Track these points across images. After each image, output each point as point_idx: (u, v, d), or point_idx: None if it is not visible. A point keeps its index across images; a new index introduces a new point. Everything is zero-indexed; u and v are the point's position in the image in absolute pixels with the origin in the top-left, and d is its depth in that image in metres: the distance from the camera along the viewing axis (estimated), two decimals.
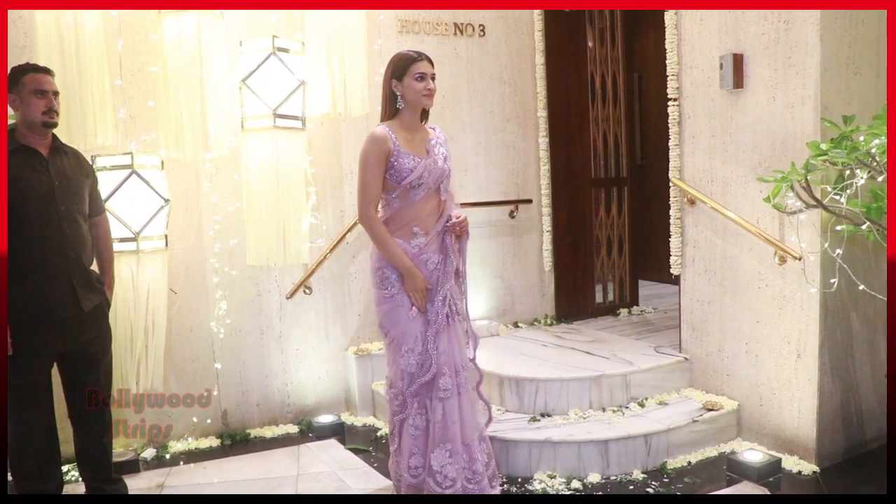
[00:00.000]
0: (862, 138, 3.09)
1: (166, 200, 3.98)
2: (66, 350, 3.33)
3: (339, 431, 4.63)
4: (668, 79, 4.40)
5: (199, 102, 3.93)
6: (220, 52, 4.03)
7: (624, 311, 5.95)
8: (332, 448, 4.39)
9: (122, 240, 3.85)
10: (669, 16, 4.36)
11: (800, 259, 3.69)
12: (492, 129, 5.44)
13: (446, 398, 3.27)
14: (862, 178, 3.17)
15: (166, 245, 4.06)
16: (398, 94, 3.27)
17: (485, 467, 3.39)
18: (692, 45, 4.27)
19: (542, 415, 4.13)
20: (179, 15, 3.87)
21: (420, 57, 3.27)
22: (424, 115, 3.40)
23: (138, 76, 4.25)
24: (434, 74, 3.31)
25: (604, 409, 4.16)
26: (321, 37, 4.30)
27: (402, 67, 3.25)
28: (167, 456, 4.32)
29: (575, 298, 5.83)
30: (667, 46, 4.39)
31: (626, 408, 4.18)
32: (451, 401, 3.29)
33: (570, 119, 5.70)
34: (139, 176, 3.87)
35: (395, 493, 3.51)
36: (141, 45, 4.20)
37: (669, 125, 4.41)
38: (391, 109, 3.32)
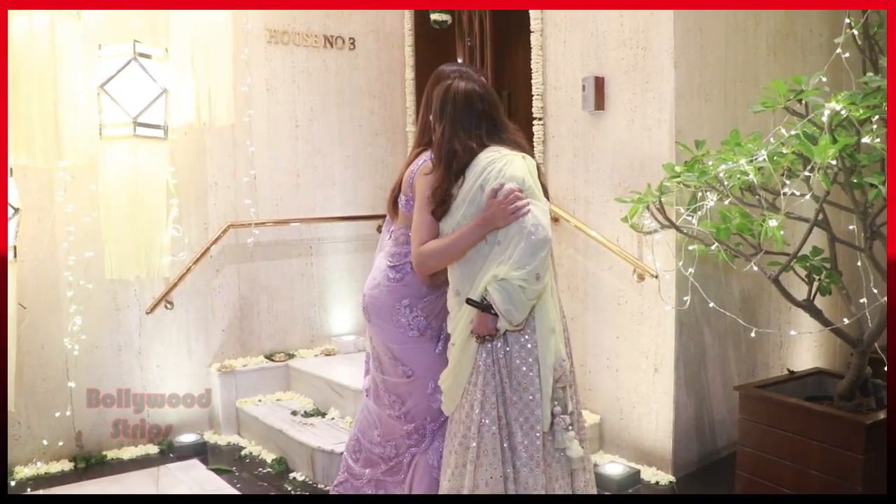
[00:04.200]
0: (711, 163, 3.25)
1: (16, 209, 3.75)
2: None
3: (202, 451, 4.49)
4: (534, 98, 4.51)
5: (52, 106, 3.69)
6: (77, 54, 3.80)
7: None
8: (194, 469, 4.25)
9: None
10: (535, 37, 4.48)
11: (656, 277, 3.84)
12: (360, 143, 5.42)
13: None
14: (711, 200, 3.33)
15: (15, 257, 3.81)
16: None
17: None
18: (556, 66, 4.40)
19: None
20: (32, 12, 3.65)
21: None
22: None
23: None
24: None
25: None
26: (186, 44, 4.16)
27: None
28: (13, 483, 4.06)
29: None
30: (532, 67, 4.50)
31: None
32: None
33: None
34: None
35: None
36: None
37: (535, 144, 4.50)
38: None
